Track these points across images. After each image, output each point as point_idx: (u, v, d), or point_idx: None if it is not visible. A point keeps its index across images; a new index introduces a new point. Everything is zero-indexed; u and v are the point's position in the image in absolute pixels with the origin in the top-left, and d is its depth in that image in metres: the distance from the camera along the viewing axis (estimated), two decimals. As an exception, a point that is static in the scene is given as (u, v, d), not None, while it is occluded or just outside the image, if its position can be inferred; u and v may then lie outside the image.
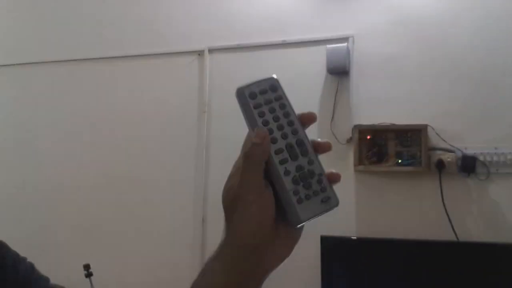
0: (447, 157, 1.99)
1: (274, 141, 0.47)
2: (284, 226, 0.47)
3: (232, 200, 0.47)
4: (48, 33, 2.79)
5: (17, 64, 2.80)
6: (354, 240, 2.03)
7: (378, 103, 2.15)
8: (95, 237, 2.54)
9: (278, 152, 0.47)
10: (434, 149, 2.03)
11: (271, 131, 0.48)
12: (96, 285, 2.13)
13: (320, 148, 0.49)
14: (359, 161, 2.08)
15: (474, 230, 1.97)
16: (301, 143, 0.48)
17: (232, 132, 2.34)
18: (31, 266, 0.70)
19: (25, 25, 2.84)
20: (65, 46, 2.73)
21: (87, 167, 2.61)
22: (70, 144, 2.66)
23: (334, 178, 0.48)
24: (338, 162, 2.17)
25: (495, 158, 1.96)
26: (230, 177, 0.48)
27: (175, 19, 2.53)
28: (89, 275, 2.12)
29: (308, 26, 2.30)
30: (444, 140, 2.02)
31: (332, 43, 2.18)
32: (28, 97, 2.78)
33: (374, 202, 2.13)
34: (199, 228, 2.37)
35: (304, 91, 2.26)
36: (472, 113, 2.02)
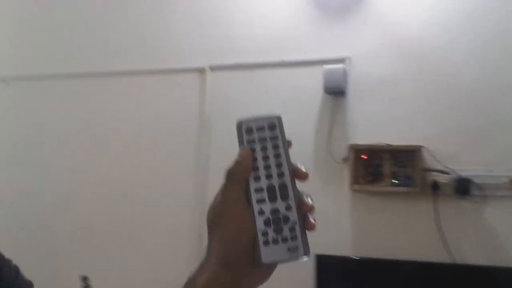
0: (441, 179, 2.00)
1: (256, 179, 0.47)
2: None
3: (214, 216, 0.48)
4: (51, 47, 2.84)
5: (20, 78, 2.85)
6: (349, 259, 2.03)
7: (374, 123, 2.18)
8: (92, 247, 2.55)
9: (258, 190, 0.47)
10: (429, 170, 2.04)
11: (256, 169, 0.47)
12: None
13: (298, 174, 0.48)
14: (355, 180, 2.09)
15: (469, 253, 1.96)
16: (283, 187, 0.47)
17: (232, 148, 2.36)
18: (16, 270, 0.68)
19: (28, 40, 2.90)
20: (67, 60, 2.79)
21: (88, 179, 2.64)
22: (71, 157, 2.70)
23: (307, 208, 0.47)
24: (334, 180, 2.19)
25: (489, 181, 1.97)
26: (215, 197, 0.49)
27: (177, 36, 2.58)
28: (86, 286, 2.11)
29: (306, 46, 2.34)
30: (439, 161, 2.03)
31: (329, 64, 2.22)
32: (31, 110, 2.83)
33: (369, 222, 2.13)
34: (196, 243, 2.37)
35: (301, 110, 2.29)
36: (467, 135, 2.04)
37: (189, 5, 2.59)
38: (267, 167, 0.48)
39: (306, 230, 0.47)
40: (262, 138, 0.49)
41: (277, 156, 0.48)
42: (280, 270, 0.48)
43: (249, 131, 0.49)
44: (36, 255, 2.64)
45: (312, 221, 0.47)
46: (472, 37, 2.09)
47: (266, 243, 0.46)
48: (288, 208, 0.46)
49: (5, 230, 2.73)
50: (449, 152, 2.04)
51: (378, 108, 2.18)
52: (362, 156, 2.11)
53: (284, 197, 0.47)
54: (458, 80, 2.09)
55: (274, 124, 0.49)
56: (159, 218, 2.47)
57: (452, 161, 2.02)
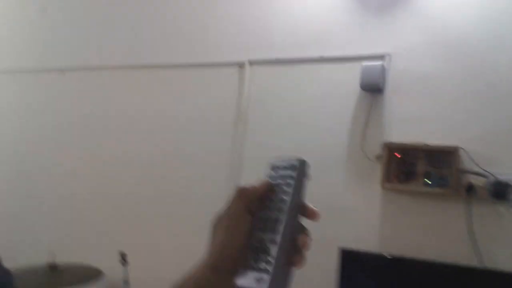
0: (478, 182, 1.95)
1: (263, 208, 0.52)
2: None
3: (216, 223, 0.54)
4: (88, 39, 3.01)
5: (49, 69, 3.05)
6: (374, 255, 2.02)
7: (410, 122, 2.15)
8: (133, 226, 2.72)
9: (258, 218, 0.51)
10: (466, 172, 1.99)
11: (266, 200, 0.52)
12: (131, 272, 2.27)
13: (308, 213, 0.51)
14: (387, 178, 2.08)
15: (501, 258, 1.90)
16: (275, 221, 0.49)
17: (267, 143, 2.44)
18: None
19: (79, 32, 3.08)
20: (111, 53, 2.95)
21: (131, 163, 2.79)
22: (114, 145, 2.86)
23: (301, 243, 0.49)
24: (366, 178, 2.19)
25: (530, 186, 1.89)
26: (223, 207, 0.55)
27: (218, 30, 2.66)
28: (123, 262, 2.25)
29: (346, 42, 2.34)
30: (476, 164, 1.98)
31: (368, 60, 2.21)
32: (80, 100, 3.01)
33: (400, 221, 2.11)
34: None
35: (338, 106, 2.30)
36: (507, 138, 1.97)
37: (230, 0, 2.66)
38: (271, 201, 0.52)
39: (293, 267, 0.48)
40: (281, 176, 0.52)
41: (284, 193, 0.51)
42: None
43: (275, 168, 0.54)
44: (78, 233, 2.84)
45: (302, 259, 0.49)
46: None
47: (244, 266, 0.49)
48: (272, 241, 0.48)
49: (48, 210, 2.95)
50: (488, 154, 1.98)
51: (415, 106, 2.15)
52: (396, 155, 2.10)
53: (272, 230, 0.49)
54: (500, 81, 2.01)
55: (294, 166, 0.52)
56: (196, 201, 2.56)
57: (490, 164, 1.96)
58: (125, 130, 2.85)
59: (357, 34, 2.33)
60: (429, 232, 2.04)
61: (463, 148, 2.00)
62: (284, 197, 0.50)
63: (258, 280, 0.47)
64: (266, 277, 0.46)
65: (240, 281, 0.48)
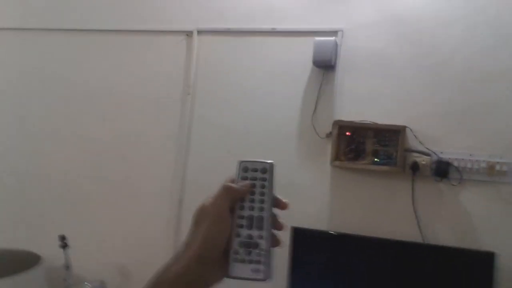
0: (422, 160, 2.02)
1: (241, 208, 0.58)
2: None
3: (202, 214, 0.57)
4: (44, 2, 2.71)
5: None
6: (325, 233, 2.06)
7: (360, 100, 2.16)
8: (72, 208, 2.54)
9: (240, 217, 0.58)
10: (411, 150, 2.05)
11: (243, 200, 0.59)
12: (72, 257, 2.14)
13: (278, 204, 0.59)
14: (336, 156, 2.10)
15: (441, 234, 2.01)
16: (260, 219, 0.57)
17: (215, 115, 2.36)
18: None
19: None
20: (56, 15, 2.68)
21: (70, 140, 2.60)
22: (54, 116, 2.63)
23: (278, 226, 0.58)
24: (316, 155, 2.19)
25: (469, 165, 1.99)
26: (207, 198, 0.58)
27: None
28: (64, 245, 2.13)
29: (299, 16, 2.28)
30: (421, 143, 2.04)
31: (321, 36, 2.17)
32: (19, 62, 2.73)
33: (348, 198, 2.15)
34: (176, 208, 2.37)
35: (289, 81, 2.26)
36: (452, 118, 2.04)
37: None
38: (251, 200, 0.58)
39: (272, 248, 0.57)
40: (253, 178, 0.59)
41: (262, 194, 0.58)
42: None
43: (245, 169, 0.60)
44: (15, 216, 2.61)
45: (280, 241, 0.58)
46: (468, 21, 2.05)
47: (235, 260, 0.56)
48: (260, 237, 0.57)
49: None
50: (432, 134, 2.05)
51: (366, 85, 2.16)
52: (346, 133, 2.11)
53: (259, 227, 0.57)
54: (448, 63, 2.07)
55: (266, 169, 0.60)
56: (140, 182, 2.46)
57: (434, 144, 2.03)
58: (61, 101, 2.62)
59: (311, 9, 2.27)
60: (376, 209, 2.10)
61: (409, 127, 2.05)
62: (262, 197, 0.58)
63: (255, 271, 0.56)
64: (262, 267, 0.56)
65: (234, 272, 0.56)
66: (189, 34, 2.43)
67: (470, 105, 2.03)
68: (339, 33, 2.20)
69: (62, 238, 2.15)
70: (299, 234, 2.00)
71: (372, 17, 2.18)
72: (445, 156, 2.01)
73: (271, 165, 0.60)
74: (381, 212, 2.09)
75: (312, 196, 2.16)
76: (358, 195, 2.13)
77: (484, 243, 1.94)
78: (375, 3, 2.18)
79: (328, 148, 2.14)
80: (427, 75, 2.09)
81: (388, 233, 2.01)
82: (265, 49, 2.32)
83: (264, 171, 0.59)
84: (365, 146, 2.10)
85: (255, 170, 0.59)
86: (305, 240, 2.01)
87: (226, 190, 0.58)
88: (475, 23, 2.04)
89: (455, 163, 2.00)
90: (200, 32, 2.42)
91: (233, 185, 0.58)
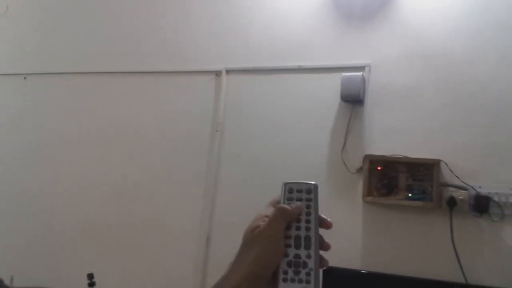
0: (459, 195, 1.93)
1: (288, 228, 0.59)
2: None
3: (254, 238, 0.58)
4: (71, 45, 2.87)
5: (39, 74, 2.88)
6: (358, 273, 1.97)
7: (391, 134, 2.12)
8: (100, 247, 2.55)
9: (287, 237, 0.58)
10: (447, 185, 1.97)
11: (290, 220, 0.59)
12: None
13: (323, 223, 0.60)
14: (368, 191, 2.04)
15: (484, 273, 1.88)
16: (308, 238, 0.58)
17: (244, 152, 2.36)
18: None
19: (50, 38, 2.93)
20: (86, 58, 2.82)
21: (99, 179, 2.64)
22: (82, 156, 2.70)
23: (324, 247, 0.59)
24: (347, 191, 2.14)
25: (510, 200, 1.89)
26: (256, 219, 0.59)
27: (196, 38, 2.57)
28: (92, 284, 2.11)
29: (325, 52, 2.30)
30: (457, 177, 1.96)
31: (348, 71, 2.17)
32: (48, 106, 2.86)
33: (381, 235, 2.07)
34: (203, 246, 2.34)
35: (317, 117, 2.25)
36: (488, 150, 1.96)
37: (209, 7, 2.58)
38: (298, 220, 0.59)
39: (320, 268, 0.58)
40: (298, 198, 0.60)
41: (308, 213, 0.59)
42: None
43: (291, 190, 0.61)
44: (43, 255, 2.65)
45: (326, 261, 0.59)
46: (499, 52, 2.02)
47: (285, 280, 0.57)
48: (309, 256, 0.57)
49: (13, 228, 2.75)
50: (469, 168, 1.97)
51: (396, 118, 2.12)
52: (378, 168, 2.06)
53: (307, 247, 0.58)
54: (481, 94, 2.01)
55: (310, 189, 0.61)
56: (168, 219, 2.45)
57: (471, 178, 1.95)
58: (93, 142, 2.70)
59: (337, 45, 2.29)
60: (411, 247, 2.00)
61: (443, 161, 1.98)
62: (309, 217, 0.59)
63: None
64: (309, 286, 0.56)
65: None
66: (218, 73, 2.49)
67: (506, 137, 1.95)
68: (366, 68, 2.20)
69: (90, 277, 2.14)
70: (330, 274, 1.91)
71: (399, 51, 2.17)
72: (484, 191, 1.92)
73: (316, 186, 0.61)
74: (417, 249, 1.99)
75: (344, 234, 2.09)
76: (392, 232, 2.05)
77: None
78: (401, 38, 2.18)
79: (359, 184, 2.09)
80: (459, 107, 2.04)
81: (426, 272, 1.90)
82: (292, 86, 2.34)
83: (309, 191, 0.61)
84: (398, 181, 2.04)
85: (300, 191, 0.61)
86: (337, 280, 1.92)
87: (281, 212, 0.58)
88: (506, 56, 2.00)
89: (495, 198, 1.90)
90: (228, 71, 2.47)
91: (287, 207, 0.59)
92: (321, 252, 0.58)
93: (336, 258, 1.96)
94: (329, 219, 0.60)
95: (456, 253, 1.90)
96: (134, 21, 2.75)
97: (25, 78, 2.93)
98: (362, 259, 2.06)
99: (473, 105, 2.02)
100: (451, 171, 1.97)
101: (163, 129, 2.55)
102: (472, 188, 1.93)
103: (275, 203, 0.61)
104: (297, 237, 0.58)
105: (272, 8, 2.44)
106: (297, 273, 0.57)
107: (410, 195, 2.00)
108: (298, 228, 0.59)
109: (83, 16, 2.89)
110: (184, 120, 2.52)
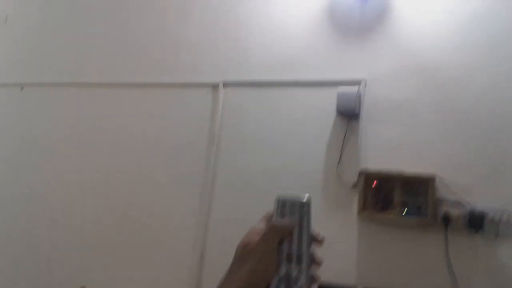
0: (454, 211, 1.93)
1: (281, 243, 0.58)
2: None
3: (246, 253, 0.58)
4: (69, 56, 2.88)
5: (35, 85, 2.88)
6: (352, 288, 1.95)
7: (386, 149, 2.12)
8: (93, 261, 2.52)
9: (280, 252, 0.58)
10: (442, 201, 1.97)
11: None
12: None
13: (316, 239, 0.59)
14: (363, 207, 2.03)
15: (479, 290, 1.87)
16: (300, 254, 0.57)
17: (240, 165, 2.35)
18: None
19: (46, 49, 2.93)
20: (81, 70, 2.82)
21: (93, 190, 2.62)
22: (77, 167, 2.69)
23: (317, 262, 0.58)
24: (342, 206, 2.13)
25: (505, 217, 1.89)
26: (249, 234, 0.59)
27: (193, 51, 2.58)
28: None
29: (322, 67, 2.31)
30: (452, 192, 1.96)
31: (344, 85, 2.18)
32: (42, 117, 2.85)
33: (376, 251, 2.05)
34: (197, 262, 2.31)
35: (313, 131, 2.25)
36: (485, 166, 1.96)
37: (206, 20, 2.60)
38: (291, 236, 0.58)
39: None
40: (292, 213, 0.59)
41: (301, 229, 0.58)
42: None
43: (283, 204, 0.60)
44: (36, 265, 2.61)
45: (318, 277, 0.58)
46: (493, 67, 2.03)
47: None
48: (300, 272, 0.57)
49: (5, 237, 2.71)
50: (464, 183, 1.96)
51: (392, 133, 2.13)
52: (373, 183, 2.05)
53: (299, 262, 0.57)
54: (476, 110, 2.02)
55: (303, 204, 0.59)
56: (162, 232, 2.43)
57: (467, 193, 1.94)
58: (88, 153, 2.68)
59: (333, 59, 2.31)
60: (407, 263, 1.99)
61: (438, 175, 1.98)
62: (301, 233, 0.58)
63: None
64: None
65: None
66: (215, 86, 2.49)
67: (502, 153, 1.95)
68: (362, 82, 2.21)
69: (83, 290, 2.12)
70: (325, 289, 1.90)
71: (394, 66, 2.19)
72: (479, 207, 1.91)
73: (309, 200, 0.60)
74: (412, 265, 1.98)
75: (339, 249, 2.07)
76: (387, 248, 2.03)
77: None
78: (396, 53, 2.20)
79: (355, 199, 2.08)
80: (454, 123, 2.04)
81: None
82: (289, 100, 2.34)
83: (302, 206, 0.59)
84: (393, 196, 2.03)
85: (294, 206, 0.60)
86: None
87: (274, 229, 0.58)
88: (500, 71, 2.02)
89: (490, 215, 1.89)
90: (225, 84, 2.48)
91: (280, 224, 0.58)
92: (314, 268, 0.58)
93: (330, 273, 1.96)
94: (321, 235, 0.59)
95: (451, 270, 1.89)
96: (132, 33, 2.76)
97: (22, 88, 2.92)
98: (357, 275, 2.04)
99: (468, 119, 2.03)
100: (446, 187, 1.97)
101: (160, 141, 2.54)
102: (467, 204, 1.92)
103: (269, 218, 0.60)
104: (289, 253, 0.58)
105: (269, 22, 2.46)
106: (287, 287, 0.56)
107: (405, 210, 1.99)
108: (290, 244, 0.58)
109: (81, 28, 2.90)
110: (181, 133, 2.51)
